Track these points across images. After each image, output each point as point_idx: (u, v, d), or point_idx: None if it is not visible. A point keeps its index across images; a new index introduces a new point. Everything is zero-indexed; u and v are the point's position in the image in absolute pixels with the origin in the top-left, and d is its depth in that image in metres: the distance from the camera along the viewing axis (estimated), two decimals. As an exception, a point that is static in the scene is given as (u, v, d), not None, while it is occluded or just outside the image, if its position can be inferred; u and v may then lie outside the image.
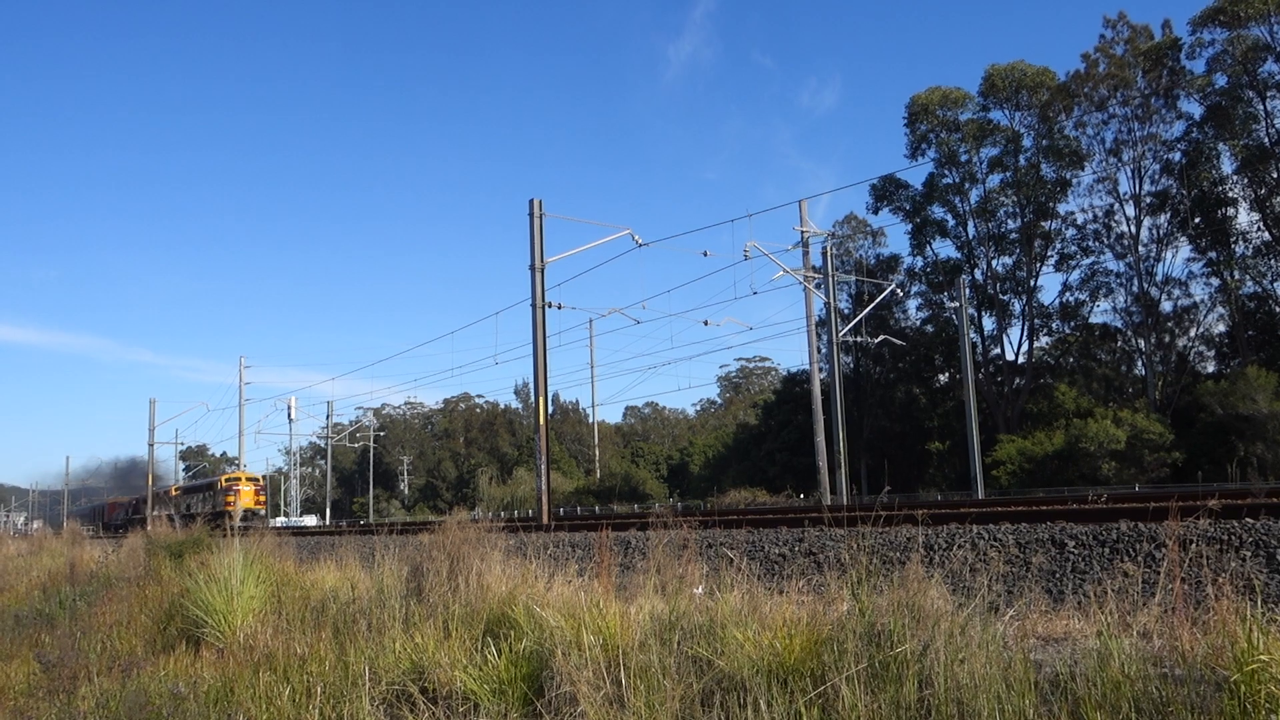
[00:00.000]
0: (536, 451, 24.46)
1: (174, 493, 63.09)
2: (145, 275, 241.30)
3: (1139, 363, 51.67)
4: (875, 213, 60.24)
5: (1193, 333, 50.56)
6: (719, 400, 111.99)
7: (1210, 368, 50.36)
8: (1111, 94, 48.95)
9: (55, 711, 7.80)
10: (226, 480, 54.75)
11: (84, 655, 9.54)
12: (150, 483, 65.73)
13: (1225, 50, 45.93)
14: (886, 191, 58.57)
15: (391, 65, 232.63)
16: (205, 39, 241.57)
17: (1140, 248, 49.59)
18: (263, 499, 54.60)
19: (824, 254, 35.93)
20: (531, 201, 25.73)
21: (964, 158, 55.02)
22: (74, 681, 8.48)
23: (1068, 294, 53.37)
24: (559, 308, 27.47)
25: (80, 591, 15.17)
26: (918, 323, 60.09)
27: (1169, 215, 49.08)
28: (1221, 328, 50.01)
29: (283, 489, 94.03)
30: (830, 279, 35.29)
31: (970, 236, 56.08)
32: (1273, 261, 46.85)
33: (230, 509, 45.37)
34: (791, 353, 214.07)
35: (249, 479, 54.98)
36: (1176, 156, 48.73)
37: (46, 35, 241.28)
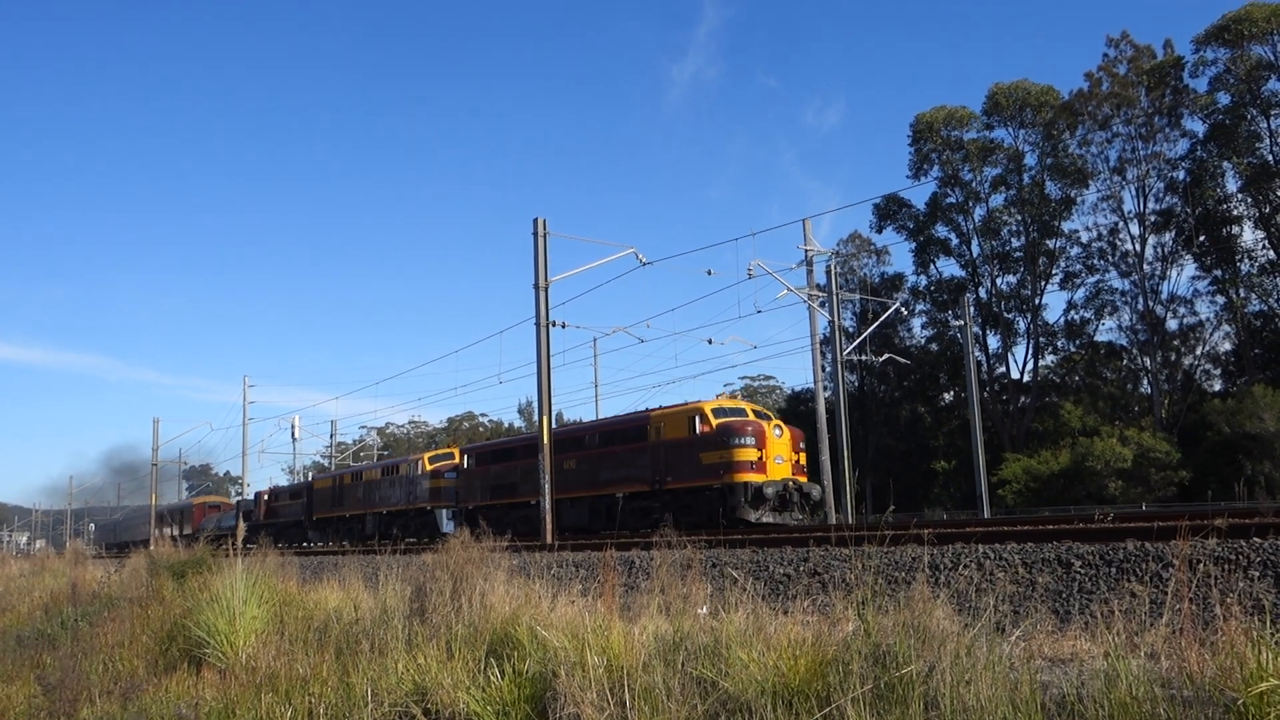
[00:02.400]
0: (540, 470, 24.41)
1: (428, 468, 33.82)
2: (150, 295, 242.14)
3: (1145, 381, 51.52)
4: (879, 231, 60.35)
5: (1199, 351, 50.44)
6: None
7: (1217, 386, 50.21)
8: (1115, 112, 49.04)
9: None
10: (719, 415, 23.59)
11: (85, 677, 9.51)
12: (154, 501, 65.55)
13: (1228, 69, 46.04)
14: (890, 210, 58.67)
15: (396, 87, 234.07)
16: (209, 59, 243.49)
17: (1145, 266, 49.55)
18: (801, 456, 24.06)
19: (828, 273, 35.94)
20: (536, 220, 25.80)
21: (967, 177, 55.12)
22: (75, 704, 8.45)
23: (1073, 312, 53.32)
24: (563, 326, 27.49)
25: (82, 612, 15.13)
26: (922, 341, 60.07)
27: (1174, 233, 49.06)
28: (1227, 346, 49.90)
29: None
30: (834, 297, 35.29)
31: (974, 255, 56.11)
32: (1278, 279, 46.79)
33: (744, 477, 21.71)
34: (796, 371, 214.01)
35: (760, 413, 24.98)
36: (1181, 175, 48.78)
37: (55, 58, 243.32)
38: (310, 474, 63.44)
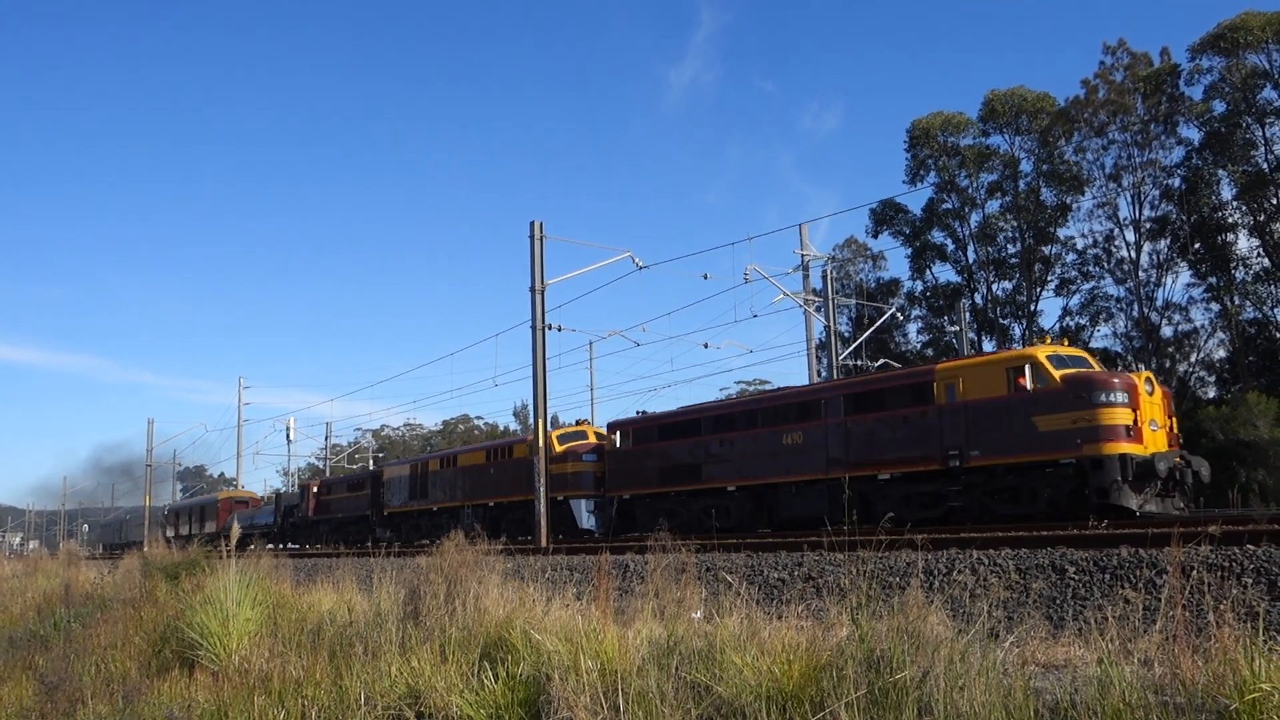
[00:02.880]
0: (535, 474, 24.39)
1: (557, 448, 28.18)
2: (146, 297, 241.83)
3: (1139, 387, 51.55)
4: (875, 237, 60.46)
5: (1193, 358, 50.53)
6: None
7: (1211, 393, 50.24)
8: (1111, 119, 49.14)
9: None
10: (1060, 364, 17.89)
11: (78, 678, 9.47)
12: (148, 502, 65.29)
13: (1224, 77, 46.17)
14: (886, 216, 58.77)
15: (395, 91, 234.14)
16: (206, 61, 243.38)
17: (1140, 273, 49.66)
18: (1175, 422, 19.25)
19: (824, 277, 35.99)
20: (532, 224, 25.77)
21: (964, 183, 55.25)
22: (70, 704, 8.41)
23: (1068, 318, 53.39)
24: (559, 330, 27.47)
25: (75, 613, 15.09)
26: (918, 346, 60.05)
27: (1169, 240, 49.17)
28: (1222, 353, 49.99)
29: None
30: (830, 302, 35.32)
31: (970, 261, 56.22)
32: (1273, 287, 46.89)
33: (1119, 447, 16.38)
34: (792, 376, 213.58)
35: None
36: (1176, 182, 48.88)
37: (53, 60, 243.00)
38: (373, 464, 54.83)
